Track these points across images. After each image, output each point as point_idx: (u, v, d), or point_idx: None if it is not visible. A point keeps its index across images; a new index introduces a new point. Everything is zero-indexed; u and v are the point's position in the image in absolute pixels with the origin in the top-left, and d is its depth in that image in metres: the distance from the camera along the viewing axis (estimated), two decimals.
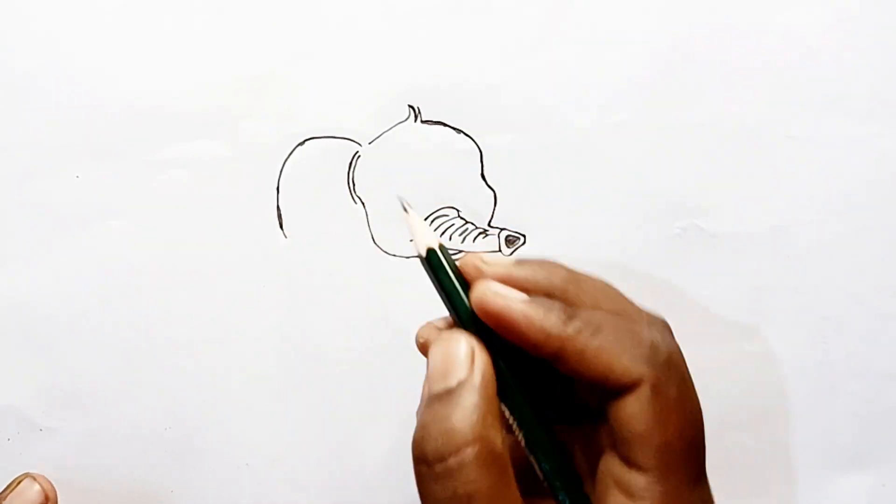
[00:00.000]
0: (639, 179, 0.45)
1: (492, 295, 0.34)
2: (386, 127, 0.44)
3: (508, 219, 0.45)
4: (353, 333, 0.43)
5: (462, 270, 0.36)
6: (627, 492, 0.34)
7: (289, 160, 0.44)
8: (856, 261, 0.45)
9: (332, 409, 0.44)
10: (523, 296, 0.34)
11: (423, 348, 0.36)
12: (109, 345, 0.44)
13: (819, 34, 0.45)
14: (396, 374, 0.44)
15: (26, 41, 0.44)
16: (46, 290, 0.44)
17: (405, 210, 0.37)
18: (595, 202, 0.45)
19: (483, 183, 0.45)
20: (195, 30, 0.44)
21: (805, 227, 0.45)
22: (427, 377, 0.35)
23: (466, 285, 0.35)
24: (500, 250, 0.45)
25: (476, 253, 0.36)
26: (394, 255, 0.45)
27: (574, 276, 0.36)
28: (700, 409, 0.35)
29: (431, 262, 0.36)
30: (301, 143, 0.44)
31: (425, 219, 0.45)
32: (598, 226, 0.45)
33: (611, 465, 0.34)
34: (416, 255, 0.45)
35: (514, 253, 0.45)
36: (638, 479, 0.33)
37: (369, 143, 0.44)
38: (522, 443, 0.35)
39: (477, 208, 0.45)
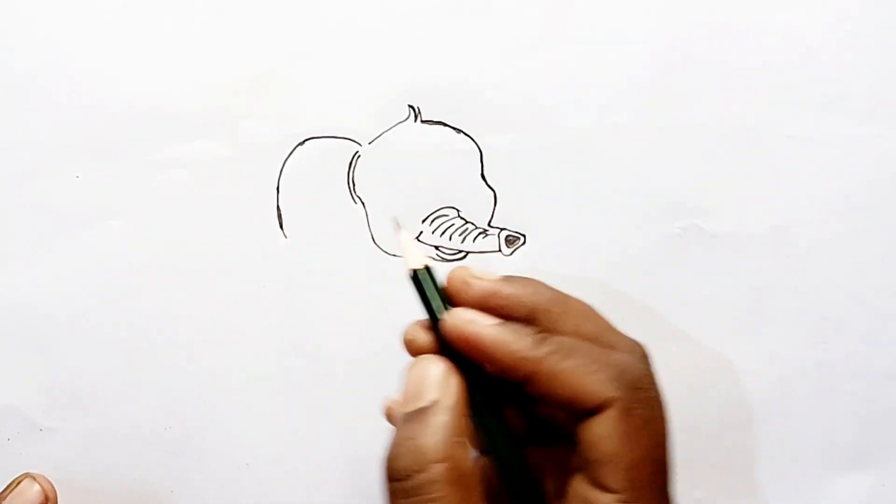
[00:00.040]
0: (639, 179, 0.45)
1: (462, 322, 0.35)
2: (386, 127, 0.44)
3: (508, 219, 0.45)
4: (353, 333, 0.43)
5: (449, 284, 0.37)
6: None
7: (289, 160, 0.44)
8: (856, 261, 0.45)
9: (332, 409, 0.44)
10: (494, 320, 0.35)
11: (410, 346, 0.37)
12: (109, 345, 0.44)
13: (819, 34, 0.45)
14: (396, 374, 0.44)
15: (26, 41, 0.44)
16: (46, 290, 0.44)
17: (397, 229, 0.38)
18: (595, 202, 0.45)
19: (483, 183, 0.45)
20: (195, 30, 0.44)
21: (805, 227, 0.45)
22: (402, 397, 0.36)
23: (450, 305, 0.36)
24: (500, 250, 0.45)
25: (465, 267, 0.37)
26: (394, 256, 0.45)
27: (559, 297, 0.37)
28: (668, 430, 0.36)
29: (415, 282, 0.37)
30: (301, 143, 0.44)
31: (424, 219, 0.45)
32: (598, 226, 0.45)
33: (580, 486, 0.35)
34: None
35: (514, 253, 0.45)
36: (606, 500, 0.34)
37: (369, 143, 0.44)
38: (493, 463, 0.36)
39: (477, 208, 0.45)
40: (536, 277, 0.45)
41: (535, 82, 0.44)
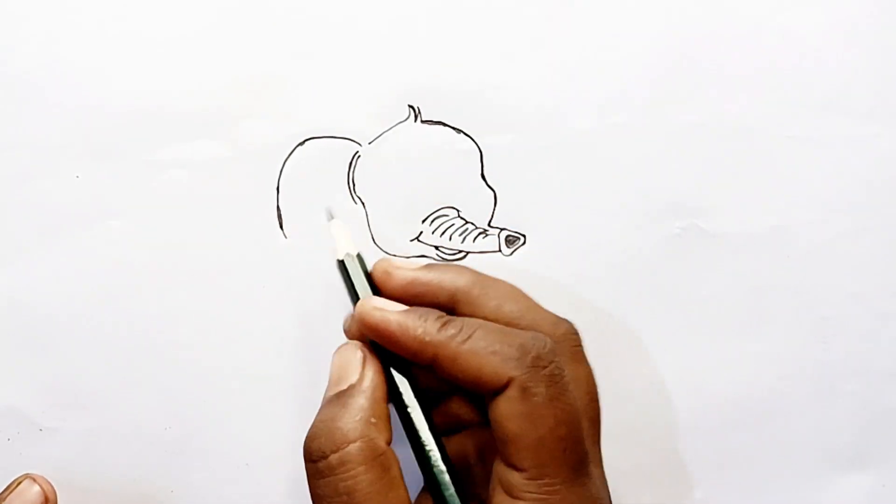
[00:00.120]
0: (639, 179, 0.45)
1: (369, 310, 0.37)
2: (386, 127, 0.44)
3: (508, 219, 0.45)
4: None
5: (374, 275, 0.40)
6: (508, 491, 0.36)
7: (289, 160, 0.44)
8: (856, 261, 0.45)
9: None
10: (400, 307, 0.38)
11: (346, 334, 0.39)
12: (109, 345, 0.44)
13: (819, 34, 0.45)
14: None
15: (26, 41, 0.44)
16: (46, 290, 0.44)
17: (329, 219, 0.41)
18: (595, 202, 0.45)
19: (483, 183, 0.45)
20: (195, 30, 0.44)
21: (805, 227, 0.45)
22: (327, 383, 0.38)
23: (380, 294, 0.39)
24: (500, 250, 0.45)
25: (387, 259, 0.40)
26: (394, 256, 0.45)
27: (479, 279, 0.39)
28: (576, 406, 0.36)
29: (342, 271, 0.40)
30: (301, 143, 0.44)
31: (425, 219, 0.45)
32: (598, 226, 0.45)
33: (497, 466, 0.36)
34: (416, 255, 0.45)
35: (514, 253, 0.45)
36: (515, 478, 0.35)
37: (369, 143, 0.44)
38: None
39: (477, 208, 0.45)
40: (536, 277, 0.45)
41: (535, 82, 0.44)
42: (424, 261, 0.44)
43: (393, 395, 0.38)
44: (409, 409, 0.38)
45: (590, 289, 0.45)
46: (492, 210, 0.45)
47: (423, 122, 0.44)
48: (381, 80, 0.44)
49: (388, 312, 0.37)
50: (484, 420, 0.37)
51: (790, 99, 0.45)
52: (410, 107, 0.44)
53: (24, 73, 0.44)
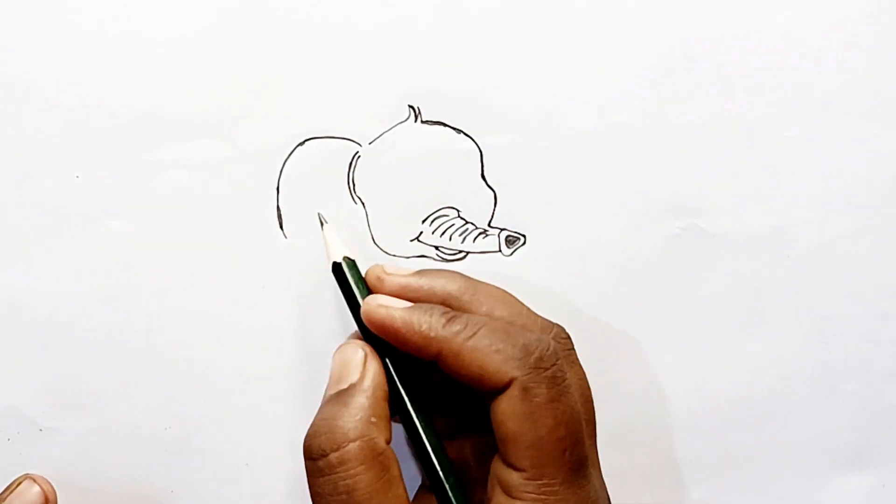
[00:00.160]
0: (639, 179, 0.45)
1: (374, 307, 0.38)
2: (386, 127, 0.44)
3: (508, 219, 0.45)
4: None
5: (367, 282, 0.40)
6: (507, 491, 0.36)
7: (289, 160, 0.44)
8: (856, 261, 0.45)
9: None
10: (405, 304, 0.38)
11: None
12: (109, 345, 0.44)
13: (819, 34, 0.45)
14: None
15: (26, 41, 0.44)
16: (46, 290, 0.44)
17: (322, 224, 0.42)
18: (595, 202, 0.45)
19: (483, 183, 0.45)
20: (195, 30, 0.44)
21: (805, 227, 0.45)
22: (328, 382, 0.38)
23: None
24: (500, 250, 0.45)
25: (379, 265, 0.40)
26: (394, 256, 0.45)
27: (471, 284, 0.39)
28: (576, 408, 0.37)
29: (337, 274, 0.40)
30: (301, 143, 0.44)
31: (425, 219, 0.45)
32: (598, 226, 0.45)
33: (496, 465, 0.37)
34: (416, 255, 0.46)
35: (514, 253, 0.45)
36: (514, 477, 0.36)
37: (369, 143, 0.44)
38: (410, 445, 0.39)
39: (477, 208, 0.45)
40: (536, 277, 0.45)
41: (535, 82, 0.44)
42: (418, 266, 0.44)
43: (394, 395, 0.38)
44: (410, 409, 0.38)
45: (590, 289, 0.45)
46: (492, 210, 0.45)
47: (423, 122, 0.44)
48: (381, 80, 0.44)
49: (393, 309, 0.37)
50: (483, 424, 0.37)
51: (790, 99, 0.45)
52: (410, 107, 0.44)
53: (24, 73, 0.44)
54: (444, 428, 0.39)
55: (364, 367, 0.38)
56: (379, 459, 0.36)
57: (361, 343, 0.38)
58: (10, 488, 0.43)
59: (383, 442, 0.36)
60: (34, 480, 0.43)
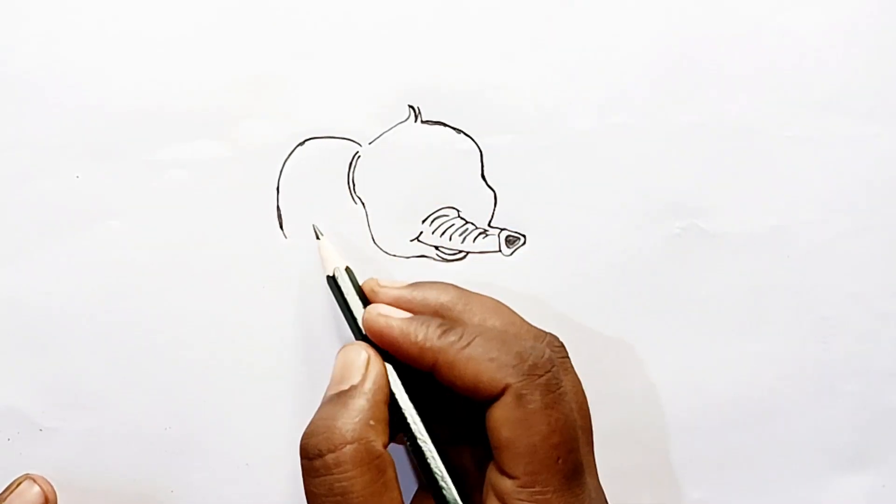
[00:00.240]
0: (639, 179, 0.45)
1: (375, 315, 0.38)
2: (386, 127, 0.44)
3: (508, 219, 0.45)
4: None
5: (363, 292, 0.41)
6: (500, 498, 0.36)
7: (289, 160, 0.44)
8: (856, 261, 0.45)
9: None
10: (404, 314, 0.38)
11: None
12: (109, 344, 0.44)
13: (818, 34, 0.45)
14: None
15: (26, 41, 0.44)
16: (46, 290, 0.44)
17: (317, 237, 0.43)
18: (595, 202, 0.45)
19: (483, 183, 0.45)
20: (195, 30, 0.44)
21: (805, 227, 0.45)
22: (330, 381, 0.39)
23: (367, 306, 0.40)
24: (500, 250, 0.45)
25: (373, 279, 0.41)
26: (394, 256, 0.45)
27: (463, 295, 0.40)
28: (572, 416, 0.37)
29: (333, 285, 0.41)
30: (301, 143, 0.44)
31: (425, 219, 0.45)
32: (598, 226, 0.45)
33: (490, 472, 0.37)
34: (416, 255, 0.46)
35: (514, 253, 0.45)
36: (508, 485, 0.36)
37: (369, 143, 0.44)
38: (409, 448, 0.38)
39: (477, 208, 0.45)
40: (536, 277, 0.45)
41: (535, 82, 0.44)
42: (418, 266, 0.44)
43: (395, 400, 0.38)
44: (410, 415, 0.38)
45: (590, 288, 0.45)
46: (492, 210, 0.45)
47: (423, 122, 0.44)
48: (381, 80, 0.44)
49: (392, 319, 0.38)
50: (482, 432, 0.37)
51: (790, 99, 0.45)
52: (410, 107, 0.44)
53: (24, 73, 0.44)
54: (443, 435, 0.39)
55: (366, 370, 0.38)
56: (375, 463, 0.36)
57: (365, 345, 0.39)
58: (10, 488, 0.43)
59: (380, 445, 0.36)
60: (34, 480, 0.43)
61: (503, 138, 0.45)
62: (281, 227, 0.44)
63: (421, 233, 0.45)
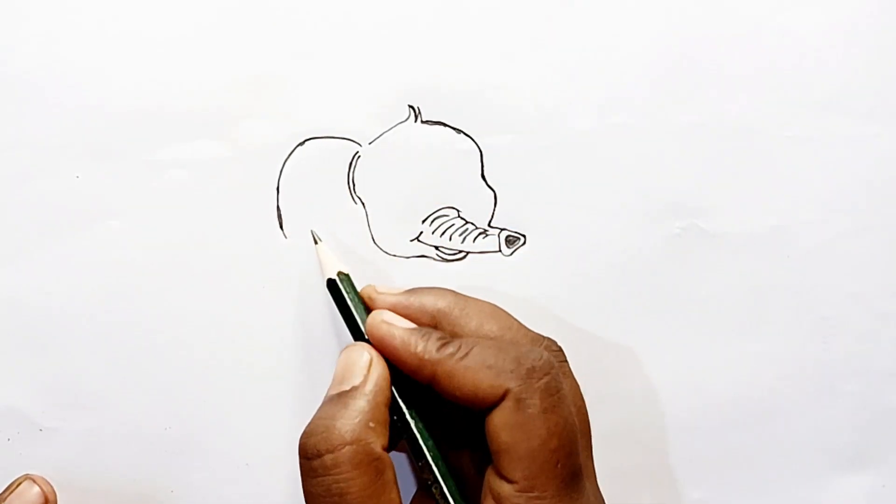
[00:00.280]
0: (639, 179, 0.45)
1: (378, 322, 0.39)
2: (386, 127, 0.44)
3: (508, 219, 0.45)
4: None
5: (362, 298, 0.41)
6: (499, 501, 0.36)
7: (289, 160, 0.44)
8: (856, 261, 0.45)
9: None
10: (408, 324, 0.39)
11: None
12: (109, 344, 0.44)
13: (818, 34, 0.45)
14: None
15: (26, 41, 0.44)
16: (46, 290, 0.44)
17: (315, 242, 0.43)
18: (595, 202, 0.45)
19: (483, 183, 0.45)
20: (195, 30, 0.44)
21: (805, 227, 0.45)
22: (332, 381, 0.39)
23: (366, 312, 0.40)
24: (500, 250, 0.45)
25: (371, 285, 0.41)
26: (394, 256, 0.45)
27: (460, 300, 0.40)
28: (571, 420, 0.37)
29: (332, 289, 0.41)
30: (301, 143, 0.44)
31: (425, 219, 0.45)
32: (598, 226, 0.45)
33: (489, 476, 0.37)
34: (416, 255, 0.45)
35: (514, 253, 0.45)
36: (506, 489, 0.36)
37: (369, 143, 0.44)
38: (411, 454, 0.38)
39: (477, 208, 0.45)
40: (536, 278, 0.45)
41: (535, 82, 0.44)
42: (418, 266, 0.44)
43: (396, 402, 0.38)
44: (410, 418, 0.38)
45: (590, 288, 0.45)
46: (492, 210, 0.45)
47: (423, 122, 0.44)
48: (381, 80, 0.44)
49: (395, 327, 0.38)
50: (481, 436, 0.37)
51: (790, 99, 0.45)
52: (410, 107, 0.44)
53: (24, 73, 0.44)
54: (443, 439, 0.39)
55: (368, 371, 0.38)
56: (374, 465, 0.36)
57: (368, 347, 0.39)
58: (10, 488, 0.43)
59: (379, 447, 0.36)
60: (34, 481, 0.43)
61: (503, 138, 0.45)
62: (281, 227, 0.44)
63: (421, 233, 0.45)
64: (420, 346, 0.37)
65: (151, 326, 0.44)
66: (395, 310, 0.39)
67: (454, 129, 0.44)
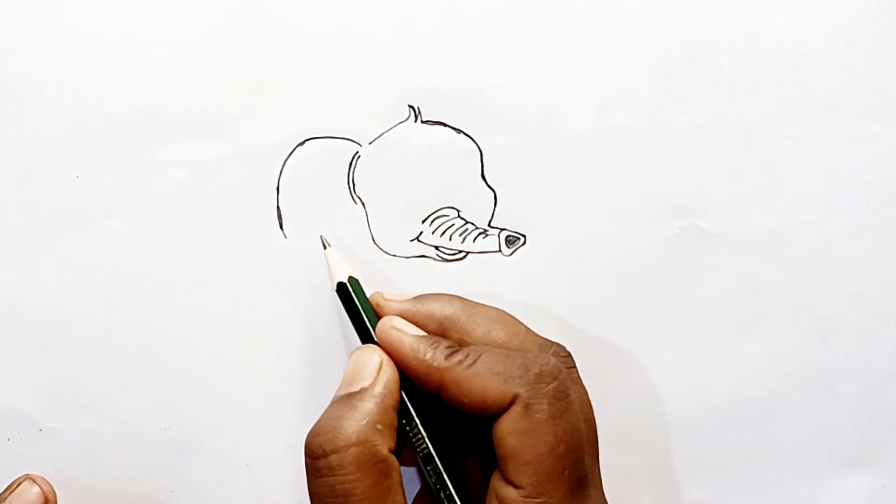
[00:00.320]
0: (639, 179, 0.45)
1: (388, 328, 0.39)
2: (386, 127, 0.44)
3: (508, 219, 0.45)
4: (353, 334, 0.43)
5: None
6: None
7: (289, 160, 0.44)
8: (856, 261, 0.45)
9: None
10: (418, 331, 0.39)
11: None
12: (109, 344, 0.44)
13: (818, 34, 0.45)
14: None
15: (26, 41, 0.44)
16: (46, 290, 0.44)
17: (324, 247, 0.43)
18: (595, 202, 0.45)
19: (483, 183, 0.45)
20: (195, 30, 0.44)
21: (805, 227, 0.45)
22: (341, 382, 0.39)
23: (376, 317, 0.40)
24: (500, 250, 0.45)
25: (379, 293, 0.41)
26: (394, 256, 0.45)
27: (467, 306, 0.40)
28: (578, 426, 0.37)
29: (341, 294, 0.41)
30: (301, 143, 0.44)
31: (425, 219, 0.45)
32: (598, 226, 0.45)
33: (494, 481, 0.37)
34: (416, 255, 0.46)
35: (514, 253, 0.45)
36: (512, 495, 0.36)
37: (369, 143, 0.44)
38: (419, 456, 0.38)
39: (477, 208, 0.45)
40: (536, 278, 0.45)
41: (535, 82, 0.44)
42: (418, 266, 0.44)
43: (404, 406, 0.38)
44: (418, 422, 0.38)
45: (590, 288, 0.45)
46: (492, 210, 0.45)
47: (423, 122, 0.44)
48: (381, 80, 0.44)
49: (405, 334, 0.38)
50: (488, 441, 0.37)
51: (790, 99, 0.45)
52: (410, 107, 0.44)
53: (24, 73, 0.44)
54: (449, 443, 0.39)
55: (378, 373, 0.38)
56: (379, 466, 0.35)
57: (379, 349, 0.39)
58: (10, 488, 0.43)
59: (385, 450, 0.36)
60: (34, 481, 0.43)
61: (503, 138, 0.45)
62: (281, 227, 0.44)
63: (421, 233, 0.45)
64: (429, 354, 0.37)
65: (151, 326, 0.44)
66: (402, 317, 0.40)
67: (454, 129, 0.44)
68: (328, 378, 0.44)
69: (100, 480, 0.44)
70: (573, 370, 0.39)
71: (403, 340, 0.38)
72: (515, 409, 0.36)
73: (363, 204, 0.44)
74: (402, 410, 0.38)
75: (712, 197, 0.45)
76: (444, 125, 0.44)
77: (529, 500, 0.35)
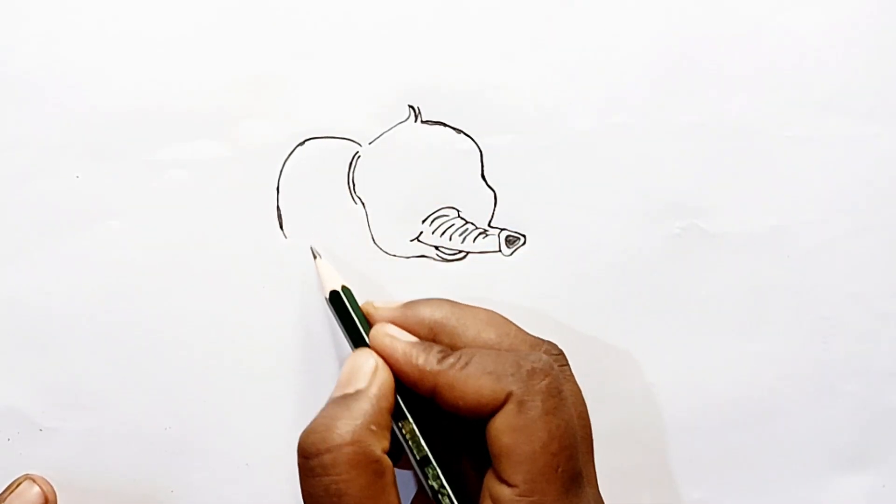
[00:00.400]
0: (639, 179, 0.45)
1: (381, 335, 0.39)
2: (386, 127, 0.44)
3: (508, 219, 0.45)
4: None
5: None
6: None
7: (289, 160, 0.44)
8: (856, 261, 0.45)
9: None
10: (410, 338, 0.39)
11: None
12: (109, 344, 0.44)
13: (818, 34, 0.45)
14: None
15: (26, 41, 0.44)
16: (46, 290, 0.44)
17: (315, 257, 0.43)
18: (595, 202, 0.45)
19: (483, 183, 0.45)
20: (195, 30, 0.44)
21: (805, 227, 0.45)
22: (336, 384, 0.39)
23: (368, 325, 0.40)
24: (500, 250, 0.45)
25: (369, 302, 0.41)
26: (394, 256, 0.45)
27: (457, 309, 0.40)
28: (572, 423, 0.37)
29: (335, 303, 0.41)
30: (301, 143, 0.44)
31: (425, 219, 0.45)
32: (598, 226, 0.45)
33: (488, 480, 0.37)
34: (416, 255, 0.46)
35: (514, 253, 0.45)
36: (506, 493, 0.36)
37: (369, 144, 0.44)
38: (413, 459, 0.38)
39: (477, 208, 0.45)
40: (536, 277, 0.45)
41: (535, 82, 0.44)
42: (418, 267, 0.44)
43: (399, 410, 0.38)
44: (412, 423, 0.38)
45: (590, 288, 0.45)
46: (492, 210, 0.45)
47: (423, 122, 0.44)
48: (381, 80, 0.44)
49: (398, 341, 0.38)
50: (482, 440, 0.37)
51: (790, 99, 0.45)
52: (410, 107, 0.44)
53: (24, 73, 0.44)
54: (444, 443, 0.39)
55: (373, 376, 0.38)
56: (372, 467, 0.35)
57: (375, 353, 0.39)
58: (10, 488, 0.43)
59: (379, 450, 0.36)
60: (34, 481, 0.43)
61: (503, 138, 0.45)
62: (281, 227, 0.44)
63: (421, 233, 0.45)
64: (422, 359, 0.37)
65: (151, 326, 0.44)
66: (394, 324, 0.40)
67: (454, 129, 0.44)
68: (328, 378, 0.44)
69: (100, 480, 0.44)
70: (566, 367, 0.39)
71: (396, 347, 0.38)
72: (509, 407, 0.36)
73: (363, 204, 0.44)
74: (397, 414, 0.38)
75: (712, 197, 0.45)
76: (444, 125, 0.44)
77: (523, 498, 0.35)
